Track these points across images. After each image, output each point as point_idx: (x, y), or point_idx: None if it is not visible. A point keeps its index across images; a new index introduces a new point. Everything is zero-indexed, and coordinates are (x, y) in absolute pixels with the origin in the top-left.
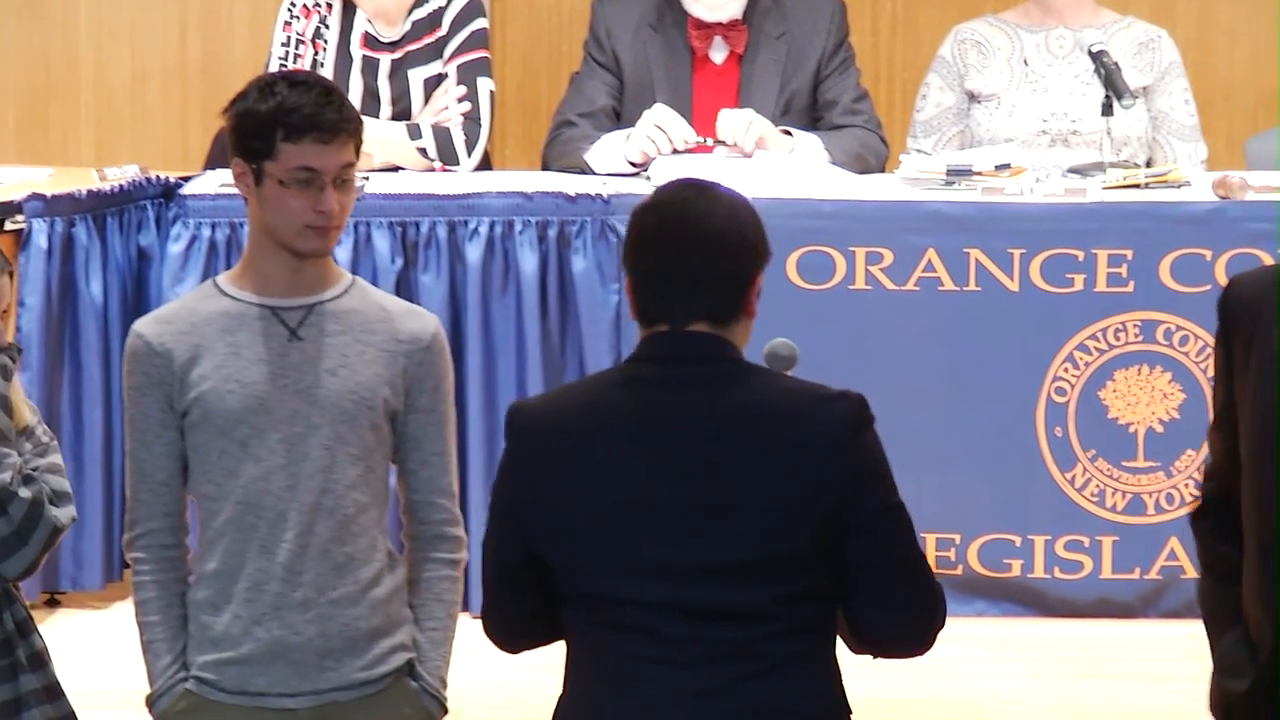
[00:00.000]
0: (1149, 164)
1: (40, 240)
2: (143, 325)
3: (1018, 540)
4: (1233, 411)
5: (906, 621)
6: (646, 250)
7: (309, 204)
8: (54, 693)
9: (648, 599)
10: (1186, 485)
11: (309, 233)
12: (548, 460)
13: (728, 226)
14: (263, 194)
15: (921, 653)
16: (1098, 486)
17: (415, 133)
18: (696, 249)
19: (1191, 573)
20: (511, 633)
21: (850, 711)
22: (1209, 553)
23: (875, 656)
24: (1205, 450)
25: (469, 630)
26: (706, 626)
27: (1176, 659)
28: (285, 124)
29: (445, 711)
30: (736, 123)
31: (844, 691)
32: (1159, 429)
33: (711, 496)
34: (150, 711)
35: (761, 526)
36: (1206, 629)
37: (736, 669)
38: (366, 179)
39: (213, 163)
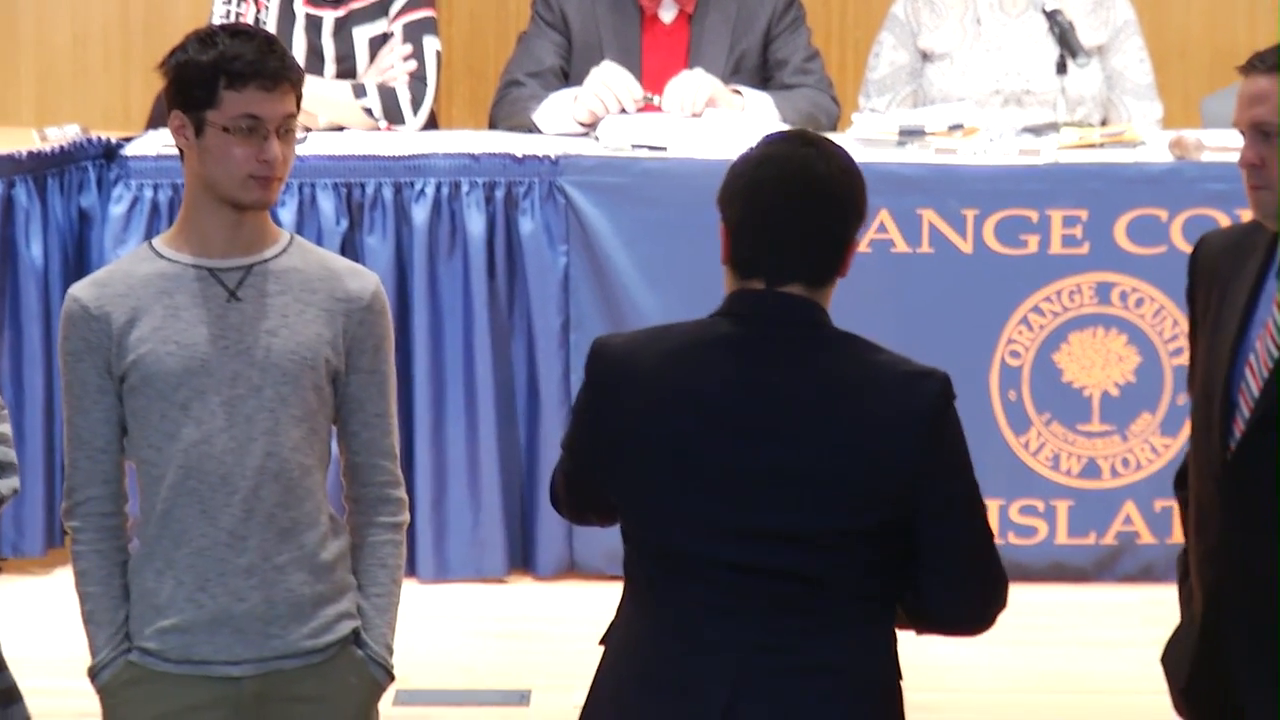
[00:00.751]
0: (1104, 123)
1: None
2: (79, 289)
3: None
4: None
5: (973, 603)
6: (756, 203)
7: (252, 153)
8: None
9: (714, 553)
10: (1142, 449)
11: (252, 183)
12: (626, 402)
13: (840, 187)
14: (204, 145)
15: (982, 632)
16: (1052, 450)
17: (360, 92)
18: (810, 210)
19: (1147, 537)
20: (583, 520)
21: (902, 676)
22: (1186, 517)
23: (931, 633)
24: (1162, 414)
25: (413, 596)
26: (771, 582)
27: (1132, 624)
28: (228, 71)
29: (392, 679)
30: (683, 92)
31: (898, 657)
32: (1114, 392)
33: (790, 463)
34: (93, 684)
35: (837, 498)
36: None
37: (796, 625)
38: (308, 131)
39: (155, 123)
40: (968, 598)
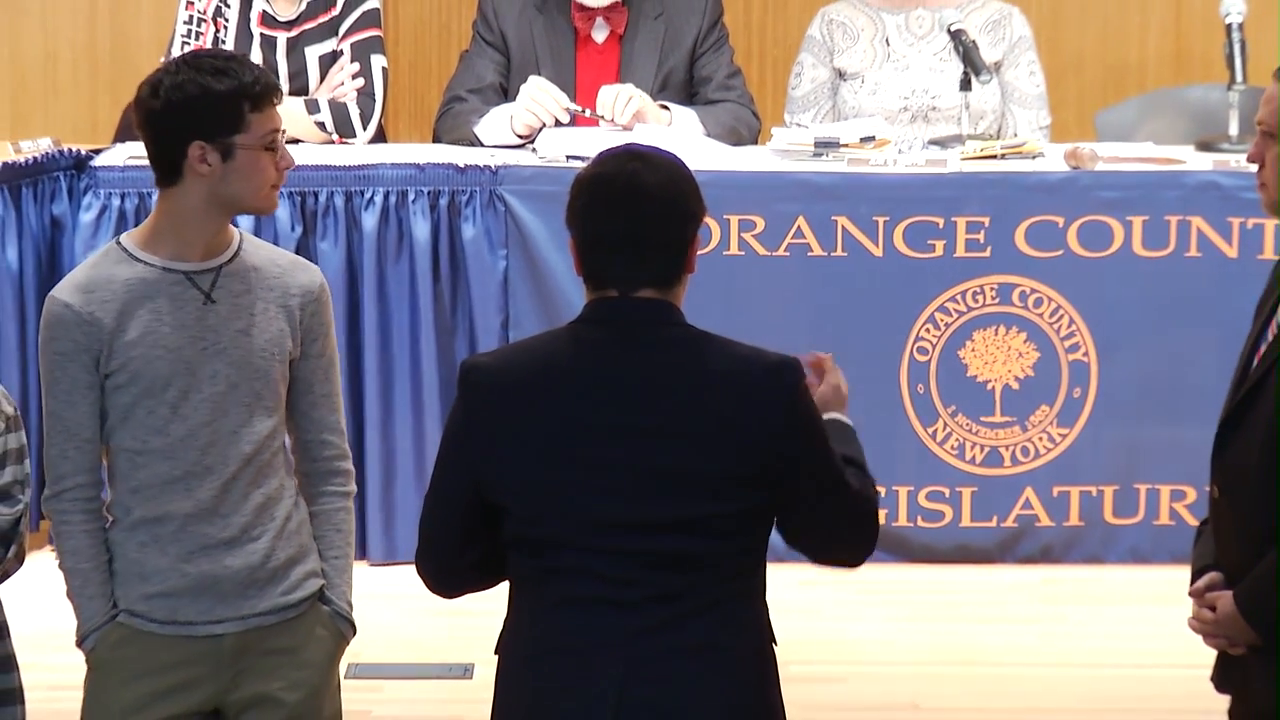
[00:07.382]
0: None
1: None
2: (64, 294)
3: (882, 490)
4: None
5: (846, 553)
6: (594, 217)
7: (274, 163)
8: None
9: (595, 546)
10: (1041, 439)
11: (273, 191)
12: (502, 414)
13: (669, 194)
14: (233, 167)
15: (859, 564)
16: (958, 440)
17: (314, 108)
18: (642, 219)
19: (1045, 520)
20: (451, 583)
21: (776, 642)
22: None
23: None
24: (1059, 406)
25: (364, 577)
26: (651, 571)
27: (1032, 602)
28: (250, 96)
29: (354, 631)
30: (615, 97)
31: (771, 625)
32: (1015, 386)
33: (661, 457)
34: (81, 648)
35: (709, 487)
36: None
37: (677, 608)
38: None
39: (121, 136)
40: (842, 552)
